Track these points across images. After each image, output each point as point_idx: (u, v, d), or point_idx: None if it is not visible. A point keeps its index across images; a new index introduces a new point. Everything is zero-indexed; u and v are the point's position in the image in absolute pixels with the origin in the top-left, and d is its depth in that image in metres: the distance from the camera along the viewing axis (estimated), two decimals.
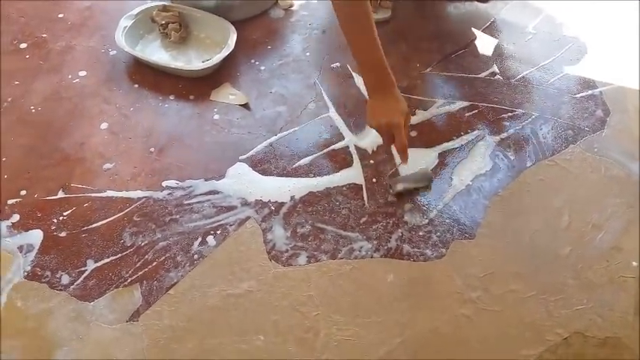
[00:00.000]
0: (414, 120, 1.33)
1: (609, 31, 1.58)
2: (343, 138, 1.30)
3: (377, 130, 1.16)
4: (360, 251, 1.12)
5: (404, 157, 1.13)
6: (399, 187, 1.19)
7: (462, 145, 1.29)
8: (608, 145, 1.30)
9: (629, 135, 1.32)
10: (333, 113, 1.35)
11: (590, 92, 1.41)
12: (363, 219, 1.16)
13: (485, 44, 1.53)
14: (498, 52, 1.51)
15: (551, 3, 1.65)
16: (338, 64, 1.47)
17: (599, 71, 1.46)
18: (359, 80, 1.41)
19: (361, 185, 1.21)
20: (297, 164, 1.25)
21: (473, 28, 1.57)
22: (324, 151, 1.28)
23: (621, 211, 1.18)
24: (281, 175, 1.23)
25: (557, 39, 1.55)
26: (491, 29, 1.58)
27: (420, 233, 1.14)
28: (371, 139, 1.30)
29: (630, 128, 1.33)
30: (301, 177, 1.23)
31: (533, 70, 1.46)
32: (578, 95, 1.40)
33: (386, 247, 1.12)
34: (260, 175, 1.23)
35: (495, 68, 1.46)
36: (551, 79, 1.44)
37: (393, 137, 1.12)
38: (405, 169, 1.22)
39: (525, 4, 1.65)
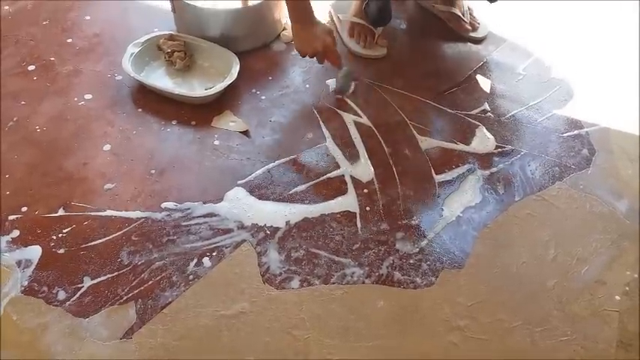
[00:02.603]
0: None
1: (596, 75, 1.64)
2: (339, 167, 1.34)
3: (308, 56, 1.47)
4: (351, 277, 1.14)
5: (338, 64, 1.49)
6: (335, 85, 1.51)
7: (453, 178, 1.34)
8: (594, 183, 1.34)
9: (614, 174, 1.37)
10: (329, 143, 1.40)
11: (576, 132, 1.47)
12: (356, 245, 1.19)
13: (480, 83, 1.59)
14: (490, 91, 1.57)
15: (541, 47, 1.72)
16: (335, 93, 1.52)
17: (586, 112, 1.52)
18: None
19: (355, 213, 1.25)
20: (293, 190, 1.29)
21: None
22: (320, 178, 1.31)
23: (605, 247, 1.22)
24: (277, 201, 1.26)
25: (545, 80, 1.61)
26: (483, 69, 1.64)
27: (411, 261, 1.17)
28: (364, 169, 1.34)
29: (615, 168, 1.38)
30: (297, 203, 1.26)
31: (522, 109, 1.52)
32: (565, 134, 1.46)
33: (377, 274, 1.15)
34: (257, 200, 1.26)
35: (487, 106, 1.52)
36: (540, 118, 1.50)
37: (323, 56, 1.46)
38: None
39: (516, 47, 1.73)
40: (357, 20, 1.66)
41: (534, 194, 1.31)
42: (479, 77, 1.60)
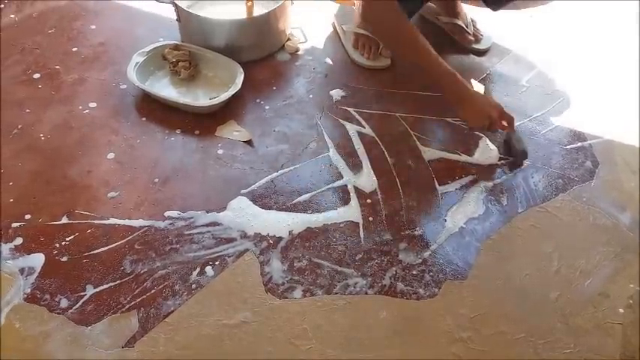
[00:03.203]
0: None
1: (599, 87, 1.65)
2: (342, 177, 1.35)
3: (486, 128, 1.40)
4: (354, 287, 1.14)
5: (513, 127, 1.41)
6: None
7: (457, 189, 1.34)
8: (597, 195, 1.34)
9: (617, 186, 1.37)
10: (332, 153, 1.40)
11: (580, 144, 1.47)
12: (359, 256, 1.19)
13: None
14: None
15: (544, 59, 1.72)
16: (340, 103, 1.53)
17: (589, 124, 1.52)
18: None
19: (358, 223, 1.25)
20: (296, 200, 1.29)
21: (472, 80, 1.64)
22: (323, 188, 1.32)
23: (609, 259, 1.22)
24: (280, 210, 1.27)
25: (549, 92, 1.62)
26: (486, 81, 1.65)
27: (414, 272, 1.17)
28: (368, 179, 1.34)
29: (618, 180, 1.38)
30: (300, 213, 1.26)
31: (525, 120, 1.52)
32: (568, 146, 1.46)
33: (380, 284, 1.15)
34: (260, 209, 1.27)
35: None
36: (543, 130, 1.50)
37: (500, 123, 1.39)
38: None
39: (519, 59, 1.73)
40: (361, 31, 1.66)
41: (537, 206, 1.31)
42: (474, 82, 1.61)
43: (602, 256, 1.23)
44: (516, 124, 1.50)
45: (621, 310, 1.13)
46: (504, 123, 1.40)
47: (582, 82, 1.66)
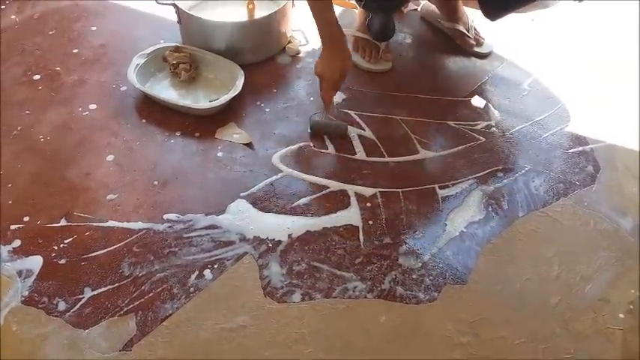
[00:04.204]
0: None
1: (601, 91, 1.64)
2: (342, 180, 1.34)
3: (318, 77, 1.42)
4: (353, 291, 1.14)
5: (325, 105, 1.44)
6: (316, 118, 1.45)
7: (457, 193, 1.33)
8: (598, 200, 1.33)
9: (618, 191, 1.36)
10: (333, 156, 1.40)
11: (581, 148, 1.46)
12: (358, 260, 1.19)
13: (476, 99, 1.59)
14: (494, 106, 1.56)
15: (546, 63, 1.72)
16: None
17: (591, 129, 1.51)
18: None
19: (357, 227, 1.24)
20: (296, 203, 1.28)
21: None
22: (323, 192, 1.31)
23: (609, 264, 1.21)
24: (280, 213, 1.26)
25: (550, 96, 1.61)
26: (487, 84, 1.64)
27: (414, 276, 1.16)
28: None
29: (619, 185, 1.38)
30: (299, 216, 1.26)
31: (527, 124, 1.52)
32: (569, 151, 1.45)
33: (379, 289, 1.14)
34: (260, 212, 1.26)
35: (491, 121, 1.52)
36: (544, 134, 1.50)
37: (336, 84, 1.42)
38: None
39: (521, 63, 1.72)
40: (361, 35, 1.66)
41: (538, 210, 1.31)
42: (476, 97, 1.60)
43: (602, 261, 1.22)
44: (517, 127, 1.50)
45: (622, 316, 1.13)
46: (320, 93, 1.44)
47: (584, 86, 1.66)
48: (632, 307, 1.14)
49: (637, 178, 1.40)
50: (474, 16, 1.75)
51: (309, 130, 1.44)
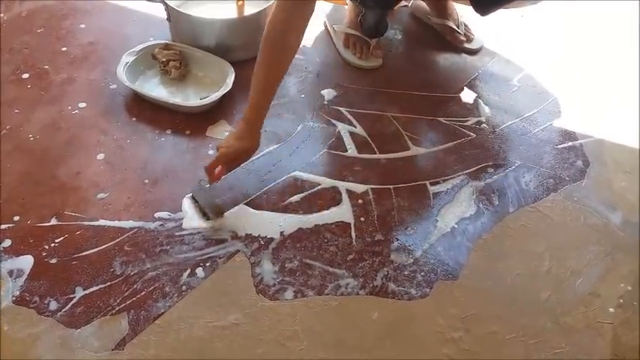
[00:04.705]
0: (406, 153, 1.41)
1: (590, 86, 1.65)
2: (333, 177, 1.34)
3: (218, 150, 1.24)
4: (346, 288, 1.14)
5: (210, 179, 1.23)
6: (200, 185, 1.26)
7: (448, 189, 1.34)
8: (588, 195, 1.35)
9: (608, 186, 1.37)
10: (324, 153, 1.40)
11: (571, 144, 1.47)
12: (350, 256, 1.19)
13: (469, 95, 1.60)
14: (484, 102, 1.57)
15: (535, 59, 1.73)
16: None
17: (580, 124, 1.52)
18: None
19: (349, 223, 1.25)
20: (287, 201, 1.28)
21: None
22: (315, 189, 1.31)
23: (599, 259, 1.22)
24: (272, 211, 1.26)
25: (540, 92, 1.62)
26: (477, 80, 1.65)
27: (405, 272, 1.17)
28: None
29: (609, 180, 1.39)
30: (291, 213, 1.26)
31: (517, 120, 1.53)
32: (559, 146, 1.46)
33: (372, 285, 1.14)
34: (251, 210, 1.26)
35: (482, 117, 1.52)
36: (534, 129, 1.50)
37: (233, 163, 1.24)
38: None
39: (511, 59, 1.73)
40: (352, 31, 1.66)
41: (529, 206, 1.32)
42: (466, 91, 1.61)
43: (592, 255, 1.23)
44: (508, 123, 1.51)
45: (612, 310, 1.14)
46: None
47: (573, 82, 1.67)
48: (622, 301, 1.15)
49: (626, 173, 1.41)
50: (463, 12, 1.75)
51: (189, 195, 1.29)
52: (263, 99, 1.24)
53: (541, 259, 1.22)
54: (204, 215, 1.24)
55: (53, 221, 1.21)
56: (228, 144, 1.23)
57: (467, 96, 1.59)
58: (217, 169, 1.22)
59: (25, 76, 1.54)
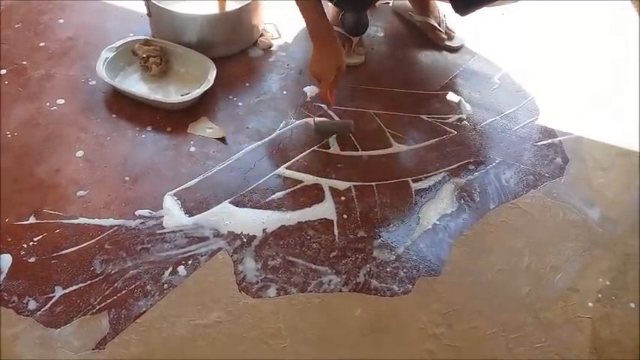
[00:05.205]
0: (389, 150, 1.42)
1: (569, 84, 1.67)
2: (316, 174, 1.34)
3: (314, 78, 1.42)
4: (329, 285, 1.14)
5: (330, 104, 1.45)
6: (320, 120, 1.44)
7: (430, 186, 1.34)
8: (567, 191, 1.36)
9: (586, 183, 1.39)
10: (307, 150, 1.40)
11: (550, 141, 1.49)
12: (333, 253, 1.19)
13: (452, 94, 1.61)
14: (466, 99, 1.58)
15: (515, 56, 1.75)
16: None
17: (559, 121, 1.54)
18: None
19: (332, 220, 1.25)
20: (270, 198, 1.28)
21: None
22: (298, 186, 1.31)
23: (578, 254, 1.24)
24: (254, 208, 1.26)
25: (520, 90, 1.64)
26: (459, 78, 1.66)
27: (388, 269, 1.17)
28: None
29: (587, 176, 1.41)
30: (274, 210, 1.26)
31: (497, 118, 1.54)
32: (539, 143, 1.48)
33: (354, 282, 1.15)
34: (234, 207, 1.25)
35: (463, 114, 1.53)
36: (515, 127, 1.52)
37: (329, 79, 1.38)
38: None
39: (491, 57, 1.74)
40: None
41: (509, 202, 1.33)
42: (450, 94, 1.62)
43: (571, 251, 1.25)
44: (488, 120, 1.52)
45: (590, 304, 1.16)
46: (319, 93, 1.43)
47: (553, 79, 1.69)
48: (600, 295, 1.17)
49: (604, 169, 1.43)
50: (445, 10, 1.76)
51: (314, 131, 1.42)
52: (319, 12, 1.36)
53: (521, 254, 1.23)
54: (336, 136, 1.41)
55: (32, 219, 1.19)
56: (321, 66, 1.37)
57: (448, 93, 1.60)
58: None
59: (3, 72, 1.51)
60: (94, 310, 1.06)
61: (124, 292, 1.09)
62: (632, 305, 1.16)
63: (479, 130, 1.50)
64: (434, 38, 1.76)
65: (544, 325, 1.12)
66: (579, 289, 1.18)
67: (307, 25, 1.38)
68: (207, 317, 1.07)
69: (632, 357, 1.09)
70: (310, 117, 1.47)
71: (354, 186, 1.32)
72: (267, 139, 1.41)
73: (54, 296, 1.07)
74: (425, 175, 1.37)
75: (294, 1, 1.35)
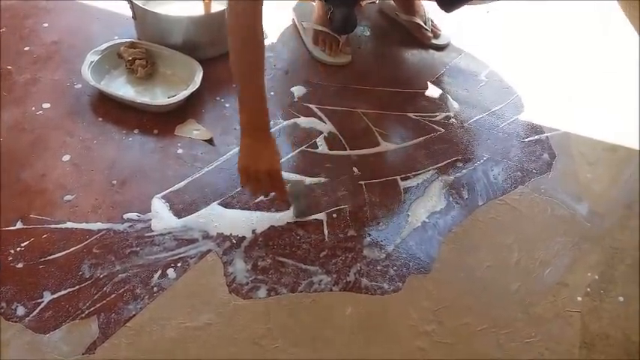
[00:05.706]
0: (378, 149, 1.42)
1: (556, 80, 1.68)
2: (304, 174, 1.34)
3: (243, 173, 1.14)
4: (319, 284, 1.14)
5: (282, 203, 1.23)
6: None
7: (418, 184, 1.35)
8: (554, 187, 1.37)
9: (574, 178, 1.40)
10: (295, 151, 1.40)
11: (537, 137, 1.50)
12: (323, 253, 1.19)
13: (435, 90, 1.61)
14: (453, 97, 1.59)
15: (502, 53, 1.75)
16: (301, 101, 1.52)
17: (546, 117, 1.55)
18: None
19: (322, 220, 1.25)
20: (259, 199, 1.28)
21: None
22: (287, 186, 1.30)
23: (566, 249, 1.25)
24: (244, 209, 1.25)
25: (507, 87, 1.65)
26: (445, 76, 1.66)
27: (378, 267, 1.18)
28: None
29: (574, 172, 1.42)
30: (263, 211, 1.25)
31: (484, 115, 1.55)
32: (526, 139, 1.49)
33: (345, 281, 1.15)
34: (222, 209, 1.25)
35: (450, 112, 1.54)
36: (502, 124, 1.53)
37: (260, 184, 1.14)
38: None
39: (478, 54, 1.75)
40: (321, 28, 1.66)
41: (497, 199, 1.34)
42: (431, 87, 1.62)
43: (560, 246, 1.25)
44: (475, 117, 1.53)
45: (580, 299, 1.16)
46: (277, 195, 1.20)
47: (539, 76, 1.70)
48: (589, 289, 1.18)
49: (591, 164, 1.44)
50: (430, 9, 1.76)
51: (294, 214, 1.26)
52: (260, 83, 1.14)
53: (510, 250, 1.24)
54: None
55: (19, 225, 1.18)
56: (252, 160, 1.12)
57: (435, 91, 1.60)
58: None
59: None
60: (84, 315, 1.05)
61: (113, 296, 1.09)
62: (621, 299, 1.17)
63: (466, 127, 1.51)
64: (420, 37, 1.76)
65: (534, 320, 1.12)
66: (568, 283, 1.19)
67: (241, 112, 1.13)
68: (198, 319, 1.07)
69: (621, 350, 1.10)
70: (297, 117, 1.47)
71: (344, 185, 1.32)
72: None
73: (42, 301, 1.07)
74: (413, 173, 1.37)
75: (233, 80, 1.15)
